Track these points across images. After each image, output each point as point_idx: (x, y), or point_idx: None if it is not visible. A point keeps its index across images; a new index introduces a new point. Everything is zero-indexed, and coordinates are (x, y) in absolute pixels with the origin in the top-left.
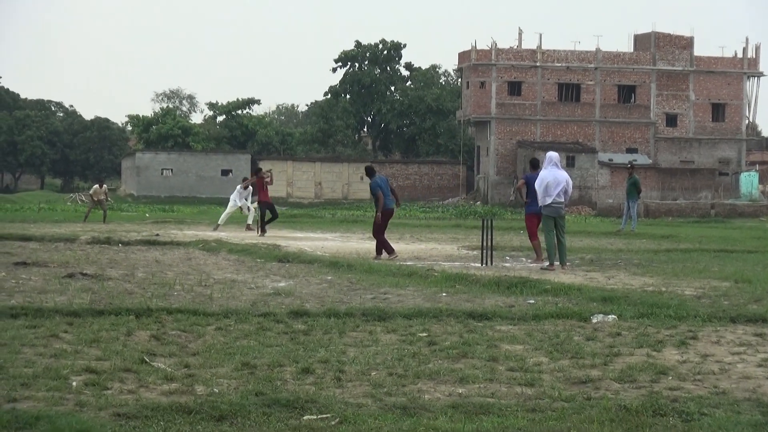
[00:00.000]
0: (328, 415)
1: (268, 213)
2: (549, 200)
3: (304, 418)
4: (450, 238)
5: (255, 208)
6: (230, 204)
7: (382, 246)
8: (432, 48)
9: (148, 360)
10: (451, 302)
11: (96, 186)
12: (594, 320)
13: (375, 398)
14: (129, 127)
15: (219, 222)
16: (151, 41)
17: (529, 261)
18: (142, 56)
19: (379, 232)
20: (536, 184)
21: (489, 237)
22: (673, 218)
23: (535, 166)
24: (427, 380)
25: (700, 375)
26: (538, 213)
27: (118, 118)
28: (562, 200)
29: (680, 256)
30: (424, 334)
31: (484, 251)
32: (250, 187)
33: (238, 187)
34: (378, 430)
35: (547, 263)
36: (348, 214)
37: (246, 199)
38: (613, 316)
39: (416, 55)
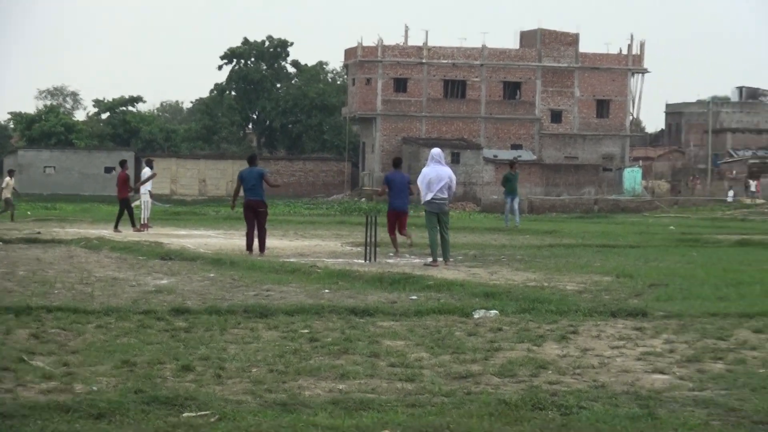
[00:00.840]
0: (208, 412)
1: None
2: (431, 196)
3: (183, 415)
4: (334, 235)
5: (146, 203)
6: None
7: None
8: (319, 45)
9: (26, 359)
10: (333, 298)
11: (7, 178)
12: (476, 316)
13: (255, 395)
14: (11, 125)
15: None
16: (35, 37)
17: (390, 254)
18: (24, 52)
19: (247, 226)
20: (418, 180)
21: (373, 233)
22: (557, 214)
23: (397, 164)
24: (307, 376)
25: (579, 369)
26: (397, 210)
27: (0, 115)
28: (445, 196)
29: (563, 251)
30: (306, 331)
31: (368, 248)
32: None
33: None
34: (257, 426)
35: (402, 256)
36: (232, 211)
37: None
38: (495, 311)
39: (303, 53)
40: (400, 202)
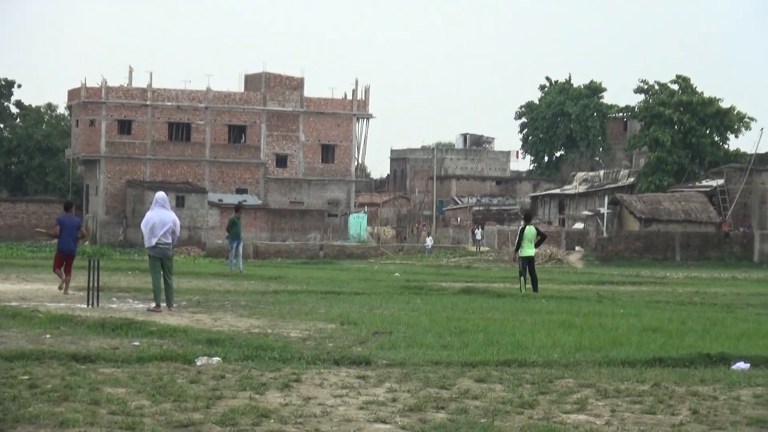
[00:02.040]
0: None
1: None
2: (155, 241)
3: None
4: (57, 279)
5: None
6: None
7: None
8: (47, 86)
9: None
10: (54, 344)
11: None
12: (198, 363)
13: None
14: None
15: None
16: None
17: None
18: None
19: None
20: (142, 225)
21: (96, 278)
22: (283, 259)
23: (68, 208)
24: (26, 424)
25: (302, 418)
26: (64, 251)
27: None
28: (169, 241)
29: (288, 297)
30: (26, 377)
31: (91, 292)
32: None
33: None
34: None
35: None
36: None
37: None
38: (218, 358)
39: (29, 94)
40: (68, 244)
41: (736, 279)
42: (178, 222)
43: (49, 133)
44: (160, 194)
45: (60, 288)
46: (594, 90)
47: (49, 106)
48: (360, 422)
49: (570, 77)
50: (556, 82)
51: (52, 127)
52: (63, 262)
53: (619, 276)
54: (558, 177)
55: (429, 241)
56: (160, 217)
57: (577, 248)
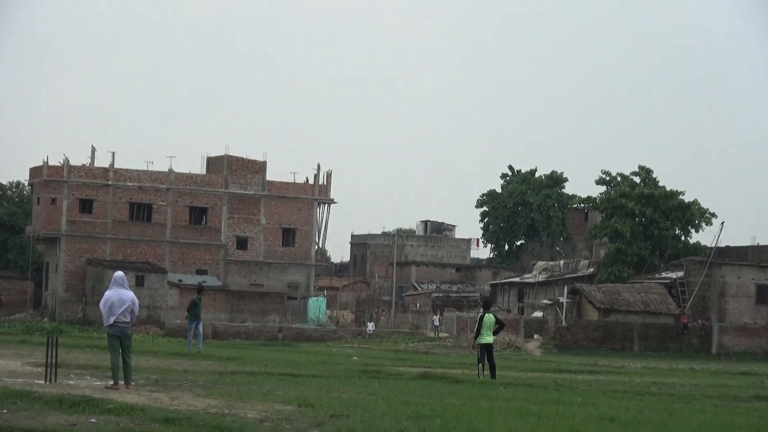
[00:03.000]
0: None
1: None
2: (113, 319)
3: None
4: (15, 354)
5: None
6: None
7: None
8: (9, 163)
9: None
10: (11, 419)
11: None
12: None
13: None
14: None
15: None
16: None
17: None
18: None
19: None
20: (101, 304)
21: (54, 354)
22: (241, 340)
23: None
24: None
25: None
26: None
27: None
28: (128, 320)
29: (245, 378)
30: None
31: (49, 368)
32: None
33: None
34: None
35: None
36: None
37: None
38: None
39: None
40: None
41: (694, 370)
42: (136, 301)
43: (14, 212)
44: (119, 274)
45: None
46: (556, 180)
47: (18, 185)
48: None
49: (536, 169)
50: (518, 171)
51: (17, 206)
52: None
53: (577, 365)
54: (518, 265)
55: (370, 326)
56: (118, 296)
57: (535, 336)
